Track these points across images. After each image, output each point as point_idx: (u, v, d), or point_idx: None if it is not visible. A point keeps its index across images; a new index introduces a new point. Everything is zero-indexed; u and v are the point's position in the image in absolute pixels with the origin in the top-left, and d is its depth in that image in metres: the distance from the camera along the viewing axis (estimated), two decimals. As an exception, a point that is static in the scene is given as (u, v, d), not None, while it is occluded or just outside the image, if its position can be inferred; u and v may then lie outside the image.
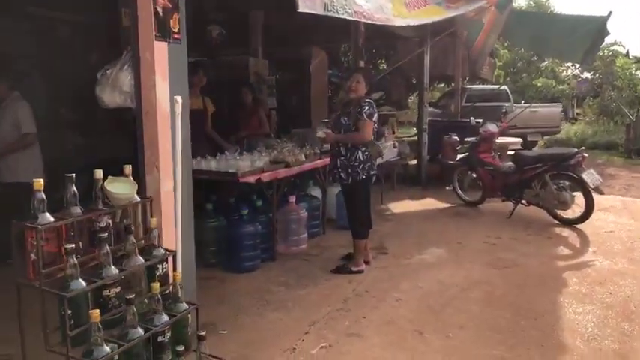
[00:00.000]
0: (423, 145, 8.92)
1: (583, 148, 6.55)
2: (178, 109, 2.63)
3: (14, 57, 6.87)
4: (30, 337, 2.26)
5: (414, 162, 9.21)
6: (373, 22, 4.04)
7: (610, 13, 7.19)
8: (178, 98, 2.62)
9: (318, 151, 5.62)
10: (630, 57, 15.94)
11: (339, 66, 13.58)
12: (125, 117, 6.82)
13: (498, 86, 13.85)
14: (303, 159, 5.28)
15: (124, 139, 6.50)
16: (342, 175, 4.59)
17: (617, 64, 14.84)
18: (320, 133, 4.66)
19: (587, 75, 16.43)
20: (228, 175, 4.47)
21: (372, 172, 4.61)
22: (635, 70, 14.92)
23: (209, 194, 4.98)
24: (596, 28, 7.40)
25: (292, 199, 5.19)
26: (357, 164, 4.50)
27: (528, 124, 11.91)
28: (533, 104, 12.78)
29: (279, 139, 6.52)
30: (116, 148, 6.03)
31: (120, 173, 2.50)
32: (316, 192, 5.91)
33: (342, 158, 4.55)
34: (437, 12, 5.15)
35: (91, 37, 7.61)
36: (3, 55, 6.63)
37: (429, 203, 7.58)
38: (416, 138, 10.65)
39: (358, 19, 3.87)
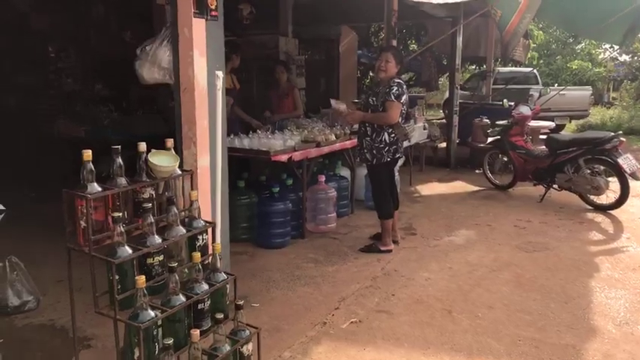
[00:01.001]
0: (453, 128, 8.83)
1: (620, 132, 6.36)
2: (219, 83, 2.66)
3: (51, 34, 7.05)
4: (77, 302, 2.38)
5: (444, 145, 9.13)
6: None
7: (653, -8, 6.92)
8: (219, 73, 2.66)
9: (348, 131, 5.63)
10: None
11: (369, 46, 13.45)
12: (158, 95, 7.00)
13: (529, 69, 13.60)
14: (334, 138, 5.30)
15: (156, 116, 6.67)
16: (367, 155, 4.59)
17: (657, 47, 14.31)
18: (334, 104, 4.62)
19: (625, 58, 15.89)
20: (261, 153, 4.53)
21: (397, 155, 4.59)
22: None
23: (241, 171, 5.06)
24: (638, 7, 7.13)
25: (322, 178, 5.24)
26: (382, 145, 4.49)
27: (557, 108, 11.72)
28: (562, 87, 12.60)
29: (309, 118, 6.55)
30: (149, 124, 6.18)
31: (155, 148, 2.55)
32: (345, 172, 5.94)
33: (368, 139, 4.55)
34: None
35: (123, 15, 7.73)
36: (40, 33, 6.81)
37: (459, 186, 7.52)
38: (445, 120, 10.56)
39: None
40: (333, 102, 4.71)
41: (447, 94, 15.30)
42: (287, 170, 5.06)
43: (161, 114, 6.87)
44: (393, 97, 4.36)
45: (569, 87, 13.44)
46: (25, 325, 3.29)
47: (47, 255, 4.25)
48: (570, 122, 13.71)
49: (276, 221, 4.69)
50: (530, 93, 11.86)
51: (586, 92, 13.78)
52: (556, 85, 17.29)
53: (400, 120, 4.52)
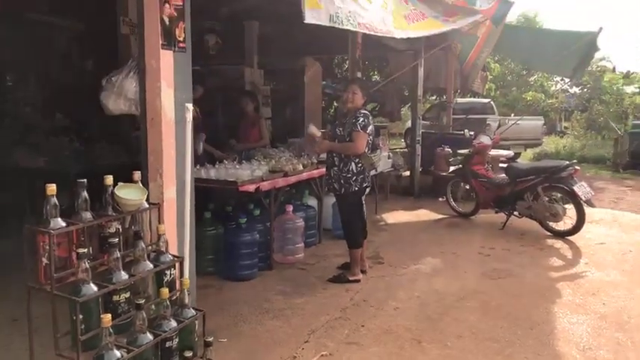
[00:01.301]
0: (416, 157, 9.00)
1: (575, 160, 6.64)
2: (189, 116, 2.65)
3: (9, 63, 6.88)
4: (34, 344, 2.27)
5: (407, 173, 9.28)
6: (375, 34, 4.11)
7: (600, 29, 7.36)
8: (189, 105, 2.64)
9: (315, 161, 5.66)
10: (617, 72, 16.27)
11: (333, 77, 13.70)
12: (120, 125, 6.88)
13: (487, 100, 14.35)
14: (301, 168, 5.32)
15: (119, 147, 6.54)
16: (335, 185, 4.63)
17: (605, 79, 15.13)
18: (311, 129, 4.68)
19: (575, 89, 16.73)
20: (228, 183, 4.49)
21: (364, 184, 4.65)
22: (622, 86, 15.21)
23: (206, 202, 4.99)
24: (587, 43, 7.55)
25: (289, 208, 5.22)
26: (349, 175, 4.54)
27: (512, 137, 12.22)
28: (519, 117, 13.28)
29: (276, 148, 6.56)
30: (112, 155, 6.06)
31: (118, 179, 2.50)
32: (312, 202, 5.94)
33: (336, 169, 4.60)
34: (435, 25, 5.24)
35: (86, 44, 7.64)
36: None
37: (423, 214, 7.63)
38: (407, 149, 10.80)
39: (361, 31, 3.94)
40: (311, 126, 4.75)
41: (408, 124, 15.76)
42: (253, 200, 5.02)
43: (124, 144, 6.74)
44: (359, 127, 4.43)
45: (524, 117, 14.16)
46: (-25, 369, 3.10)
47: (3, 293, 4.05)
48: (525, 150, 14.30)
49: (244, 252, 4.62)
50: (488, 122, 12.40)
51: (539, 122, 14.54)
52: (512, 114, 17.98)
53: (367, 150, 4.59)
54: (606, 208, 7.96)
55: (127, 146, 6.66)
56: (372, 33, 4.18)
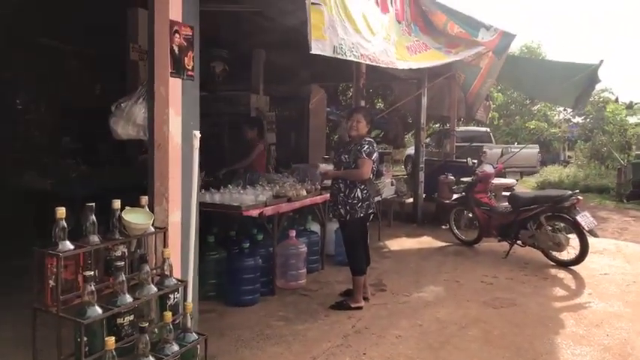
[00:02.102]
0: (420, 184, 9.05)
1: (577, 190, 6.66)
2: (197, 143, 2.71)
3: (19, 86, 7.03)
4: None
5: (410, 200, 9.32)
6: (377, 65, 4.20)
7: (601, 61, 7.48)
8: (197, 133, 2.70)
9: (319, 187, 5.71)
10: (620, 102, 16.40)
11: (337, 104, 13.87)
12: (126, 148, 6.98)
13: (485, 129, 14.85)
14: (305, 194, 5.36)
15: (125, 170, 6.62)
16: (340, 211, 4.67)
17: (608, 110, 15.24)
18: (321, 168, 4.76)
19: (578, 119, 16.85)
20: (232, 208, 4.53)
21: (369, 211, 4.68)
22: (625, 116, 15.31)
23: (210, 227, 5.03)
24: (588, 75, 7.67)
25: (293, 233, 5.24)
26: (355, 201, 4.58)
27: (509, 164, 12.38)
28: (523, 146, 13.62)
29: (280, 173, 6.62)
30: (118, 178, 6.12)
31: (123, 202, 2.54)
32: (315, 227, 5.97)
33: (342, 195, 4.64)
34: (437, 57, 5.35)
35: (95, 70, 7.80)
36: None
37: (426, 241, 7.63)
38: (406, 175, 10.88)
39: (364, 62, 4.03)
40: (321, 166, 4.87)
41: (408, 151, 15.99)
42: (257, 225, 5.05)
43: (130, 168, 6.82)
44: (364, 154, 4.50)
45: (518, 146, 14.72)
46: (-24, 391, 3.09)
47: (4, 313, 4.06)
48: (522, 178, 14.52)
49: (246, 278, 4.63)
50: (484, 150, 12.62)
51: (534, 150, 14.90)
52: (516, 143, 18.09)
53: (372, 176, 4.65)
54: (610, 239, 7.95)
55: (133, 170, 6.74)
56: (375, 64, 4.28)
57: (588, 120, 16.10)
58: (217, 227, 5.17)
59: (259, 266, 4.75)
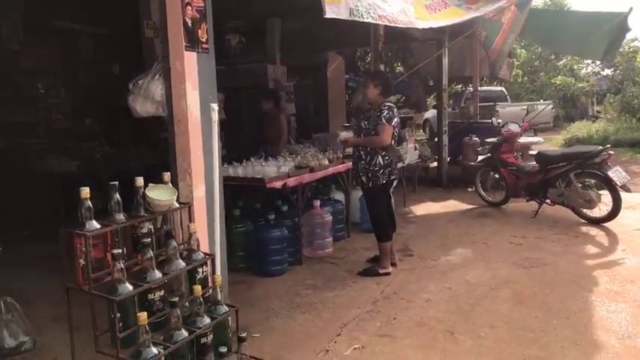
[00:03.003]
0: (444, 147, 8.91)
1: (608, 145, 6.45)
2: (215, 116, 2.68)
3: (40, 71, 7.08)
4: (75, 341, 2.34)
5: (435, 164, 9.20)
6: (396, 25, 4.08)
7: (631, 8, 7.11)
8: (214, 106, 2.67)
9: (341, 155, 5.66)
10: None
11: (356, 70, 13.63)
12: (149, 126, 7.01)
13: (499, 88, 15.52)
14: (327, 163, 5.33)
15: (148, 149, 6.67)
16: (362, 179, 4.63)
17: (638, 60, 14.62)
18: (341, 136, 4.71)
19: (607, 72, 16.23)
20: (256, 180, 4.53)
21: (392, 177, 4.63)
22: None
23: (234, 200, 5.05)
24: (617, 24, 7.30)
25: (317, 203, 5.24)
26: (377, 169, 4.53)
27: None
28: (549, 102, 13.45)
29: (301, 144, 6.58)
30: (142, 157, 6.18)
31: (148, 180, 2.55)
32: (339, 196, 5.95)
33: (363, 162, 4.59)
34: (457, 14, 5.16)
35: (111, 49, 7.79)
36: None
37: (452, 205, 7.55)
38: (427, 140, 10.74)
39: (382, 23, 3.91)
40: (341, 134, 4.82)
41: (425, 115, 15.83)
42: (281, 196, 5.06)
43: (152, 146, 6.87)
44: (384, 120, 4.42)
45: (531, 102, 15.54)
46: (21, 367, 3.22)
47: (41, 293, 4.21)
48: (536, 134, 14.36)
49: (274, 248, 4.67)
50: (496, 109, 12.53)
51: (548, 107, 14.80)
52: (541, 100, 17.58)
53: (393, 142, 4.58)
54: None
55: (155, 148, 6.78)
56: (393, 24, 4.15)
57: (618, 72, 15.48)
58: (242, 200, 5.19)
59: (286, 237, 4.77)
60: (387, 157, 4.53)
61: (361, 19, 3.64)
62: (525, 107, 12.30)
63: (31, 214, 5.88)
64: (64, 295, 2.18)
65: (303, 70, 10.55)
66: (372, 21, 3.78)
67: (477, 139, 8.59)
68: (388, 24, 4.02)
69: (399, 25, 4.24)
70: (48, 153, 6.39)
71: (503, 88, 16.28)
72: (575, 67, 19.31)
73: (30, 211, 5.96)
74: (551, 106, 15.32)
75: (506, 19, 6.24)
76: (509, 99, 15.84)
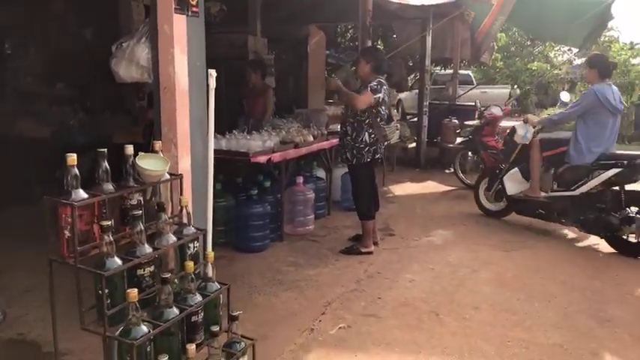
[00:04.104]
0: (423, 128, 8.89)
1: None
2: (212, 82, 2.54)
3: (7, 30, 6.68)
4: (46, 314, 2.22)
5: (413, 145, 9.20)
6: (392, 0, 3.95)
7: (615, -4, 7.15)
8: (213, 72, 2.53)
9: (325, 132, 5.57)
10: (620, 43, 15.97)
11: (336, 47, 13.42)
12: (124, 94, 6.74)
13: (466, 72, 15.95)
14: (311, 139, 5.22)
15: (124, 117, 6.41)
16: (347, 155, 4.56)
17: (613, 50, 14.86)
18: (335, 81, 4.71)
19: (581, 60, 16.45)
20: (240, 154, 4.40)
21: (377, 156, 4.57)
22: (629, 57, 14.94)
23: (215, 174, 4.89)
24: (601, 12, 7.35)
25: (300, 179, 5.15)
26: (362, 146, 4.46)
27: (482, 104, 12.42)
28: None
29: (283, 119, 6.42)
30: (118, 125, 5.93)
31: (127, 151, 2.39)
32: (320, 173, 5.87)
33: (349, 138, 4.52)
34: (450, -9, 5.06)
35: (85, 11, 7.40)
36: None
37: (431, 186, 7.58)
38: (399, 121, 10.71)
39: (378, -4, 3.78)
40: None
41: (398, 95, 15.92)
42: (263, 171, 4.94)
43: (128, 114, 6.61)
44: (369, 88, 4.37)
45: (488, 86, 16.47)
46: (-9, 341, 3.06)
47: (11, 263, 4.01)
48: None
49: (255, 224, 4.57)
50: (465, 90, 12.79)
51: (505, 90, 15.39)
52: (515, 86, 17.75)
53: (380, 121, 4.51)
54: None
55: (130, 116, 6.53)
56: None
57: (592, 61, 15.72)
58: (223, 174, 5.05)
59: (268, 213, 4.68)
60: (372, 135, 4.46)
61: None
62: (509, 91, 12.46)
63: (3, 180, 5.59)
64: (39, 266, 2.05)
65: (283, 43, 10.28)
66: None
67: (456, 121, 8.60)
68: (384, -2, 3.90)
69: (394, 0, 4.12)
70: (16, 116, 6.05)
71: (470, 72, 16.82)
72: (552, 54, 19.54)
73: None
74: (508, 89, 15.82)
75: (496, 0, 6.18)
76: (475, 82, 16.35)
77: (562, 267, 4.39)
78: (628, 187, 4.73)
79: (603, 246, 4.90)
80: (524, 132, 5.29)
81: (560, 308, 3.60)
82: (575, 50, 13.59)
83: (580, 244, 5.06)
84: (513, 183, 5.43)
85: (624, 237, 4.69)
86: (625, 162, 4.64)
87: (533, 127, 5.29)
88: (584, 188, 4.82)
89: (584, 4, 7.42)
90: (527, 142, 5.28)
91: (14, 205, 5.29)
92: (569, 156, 4.93)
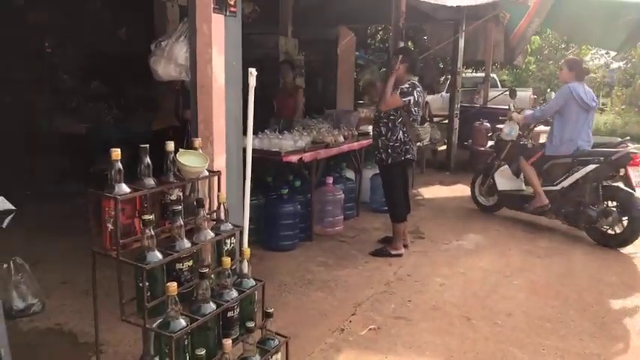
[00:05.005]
0: (454, 131, 8.79)
1: (628, 137, 6.35)
2: (252, 81, 2.56)
3: (47, 29, 6.86)
4: (84, 305, 2.26)
5: (443, 147, 9.10)
6: (427, 0, 3.92)
7: (657, -1, 6.95)
8: (253, 71, 2.56)
9: (355, 133, 5.56)
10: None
11: (366, 48, 13.38)
12: (157, 93, 6.84)
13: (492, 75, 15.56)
14: (342, 140, 5.22)
15: (157, 114, 6.51)
16: (382, 155, 4.54)
17: (650, 54, 14.47)
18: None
19: (620, 64, 16.04)
20: (272, 153, 4.42)
21: (407, 156, 4.53)
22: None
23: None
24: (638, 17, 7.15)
25: (330, 180, 5.15)
26: (397, 144, 4.44)
27: (504, 105, 12.20)
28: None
29: (313, 119, 6.44)
30: (152, 122, 6.03)
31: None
32: (349, 174, 5.86)
33: (383, 138, 4.51)
34: (485, -7, 5.00)
35: (121, 11, 7.56)
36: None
37: (461, 189, 7.46)
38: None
39: (414, -3, 3.76)
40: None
41: (427, 97, 15.84)
42: (293, 171, 4.96)
43: (162, 111, 6.71)
44: (398, 91, 4.38)
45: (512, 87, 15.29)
46: (30, 330, 3.14)
47: (48, 255, 4.12)
48: None
49: (285, 223, 4.59)
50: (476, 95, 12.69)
51: (526, 93, 14.99)
52: (549, 89, 17.41)
53: (413, 121, 4.49)
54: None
55: (164, 113, 6.62)
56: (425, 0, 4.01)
57: (630, 65, 15.30)
58: (254, 173, 5.07)
59: (298, 212, 4.70)
60: (406, 134, 4.45)
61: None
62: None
63: (36, 174, 5.76)
64: (75, 258, 2.10)
65: (313, 44, 10.30)
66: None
67: (487, 124, 8.48)
68: (419, -1, 3.87)
69: (429, 1, 4.09)
70: (53, 112, 6.22)
71: (495, 75, 16.40)
72: (587, 57, 19.11)
73: (34, 170, 5.84)
74: (529, 93, 15.54)
75: (533, 2, 6.06)
76: (499, 85, 15.96)
77: (599, 275, 4.28)
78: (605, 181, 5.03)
79: (641, 255, 4.77)
80: (509, 130, 5.78)
81: (597, 318, 3.51)
82: (612, 54, 13.21)
83: (617, 252, 4.91)
84: (504, 179, 5.78)
85: (603, 229, 5.00)
86: (602, 158, 5.00)
87: (519, 124, 5.73)
88: (565, 183, 5.19)
89: (624, 6, 7.22)
90: (514, 139, 5.74)
91: (50, 200, 5.43)
92: (547, 148, 5.35)
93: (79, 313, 3.25)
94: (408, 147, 4.48)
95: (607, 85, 16.55)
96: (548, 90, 17.07)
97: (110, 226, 1.93)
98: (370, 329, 3.27)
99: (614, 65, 16.26)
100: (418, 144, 4.78)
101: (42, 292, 3.40)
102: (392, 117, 4.42)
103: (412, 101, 4.39)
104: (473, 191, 6.38)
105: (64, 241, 4.38)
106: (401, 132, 4.41)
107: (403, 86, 4.38)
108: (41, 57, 6.92)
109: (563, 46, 19.20)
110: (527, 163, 5.44)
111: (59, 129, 5.99)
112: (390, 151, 4.45)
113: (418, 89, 4.46)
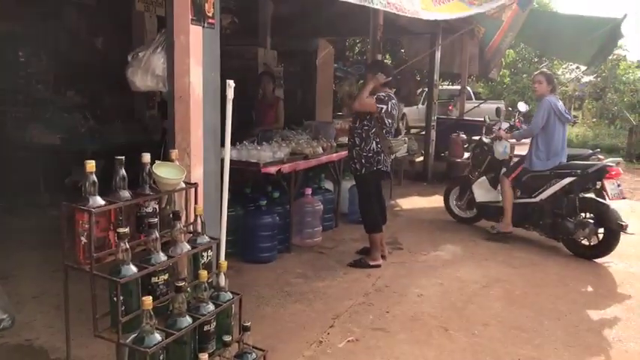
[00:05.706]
0: (431, 142, 8.90)
1: (598, 149, 6.53)
2: (231, 94, 2.56)
3: (21, 38, 6.75)
4: (55, 320, 2.21)
5: (420, 158, 9.19)
6: (404, 14, 3.99)
7: (625, 15, 7.17)
8: (231, 82, 2.55)
9: (334, 144, 5.58)
10: (628, 61, 16.01)
11: (344, 60, 13.51)
12: (135, 103, 6.78)
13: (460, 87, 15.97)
14: (321, 151, 5.23)
15: (135, 125, 6.45)
16: (356, 165, 4.58)
17: (621, 68, 14.90)
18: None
19: (590, 78, 16.50)
20: (250, 164, 4.41)
21: (379, 166, 4.56)
22: (638, 76, 14.98)
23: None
24: (610, 30, 7.35)
25: (308, 191, 5.15)
26: (370, 155, 4.49)
27: (473, 118, 12.40)
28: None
29: (292, 130, 6.45)
30: (128, 133, 5.97)
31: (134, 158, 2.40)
32: (328, 185, 5.87)
33: (357, 148, 4.55)
34: (461, 8, 5.10)
35: (97, 21, 7.49)
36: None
37: (438, 200, 7.50)
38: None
39: (390, 10, 3.82)
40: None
41: (404, 109, 16.05)
42: (271, 182, 4.95)
43: (138, 123, 6.66)
44: (374, 97, 4.44)
45: (480, 101, 15.54)
46: (0, 346, 3.05)
47: (19, 269, 4.02)
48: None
49: (264, 235, 4.56)
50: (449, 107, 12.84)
51: (494, 105, 15.36)
52: (522, 102, 17.79)
53: (386, 133, 4.52)
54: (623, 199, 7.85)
55: (141, 125, 6.57)
56: (400, 13, 4.06)
57: (599, 79, 15.75)
58: (231, 184, 5.04)
59: (277, 224, 4.68)
60: (379, 145, 4.49)
61: (371, 5, 3.55)
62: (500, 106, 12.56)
63: (7, 185, 5.62)
64: (46, 272, 2.05)
65: (292, 56, 10.36)
66: (382, 7, 3.69)
67: (464, 135, 8.60)
68: (395, 12, 3.93)
69: (406, 15, 4.16)
70: (27, 122, 6.10)
71: (469, 88, 16.71)
72: (559, 71, 19.60)
73: (6, 182, 5.70)
74: (497, 105, 15.89)
75: (507, 17, 6.21)
76: (473, 97, 16.16)
77: (573, 284, 4.35)
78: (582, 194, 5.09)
79: (615, 264, 4.87)
80: (502, 148, 5.78)
81: (571, 326, 3.56)
82: (583, 68, 13.58)
83: (589, 263, 5.01)
84: (482, 190, 5.85)
85: (579, 240, 5.06)
86: (579, 171, 5.07)
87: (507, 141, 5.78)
88: (543, 195, 5.23)
89: (593, 22, 7.45)
90: (507, 157, 5.80)
91: (22, 212, 5.31)
92: (532, 163, 5.29)
93: (50, 328, 3.17)
94: (379, 158, 4.53)
95: (578, 98, 17.00)
96: (521, 102, 17.50)
97: (84, 240, 1.90)
98: (349, 341, 3.26)
99: (585, 79, 16.73)
100: (392, 156, 4.78)
101: (12, 307, 3.29)
102: (366, 127, 4.47)
103: (385, 110, 4.44)
104: (447, 202, 6.45)
105: (35, 254, 4.27)
106: (374, 142, 4.46)
107: (380, 94, 4.44)
108: (14, 66, 6.80)
109: (536, 59, 19.66)
110: (509, 185, 5.43)
111: (33, 139, 5.86)
112: (363, 161, 4.49)
113: (393, 101, 4.52)
